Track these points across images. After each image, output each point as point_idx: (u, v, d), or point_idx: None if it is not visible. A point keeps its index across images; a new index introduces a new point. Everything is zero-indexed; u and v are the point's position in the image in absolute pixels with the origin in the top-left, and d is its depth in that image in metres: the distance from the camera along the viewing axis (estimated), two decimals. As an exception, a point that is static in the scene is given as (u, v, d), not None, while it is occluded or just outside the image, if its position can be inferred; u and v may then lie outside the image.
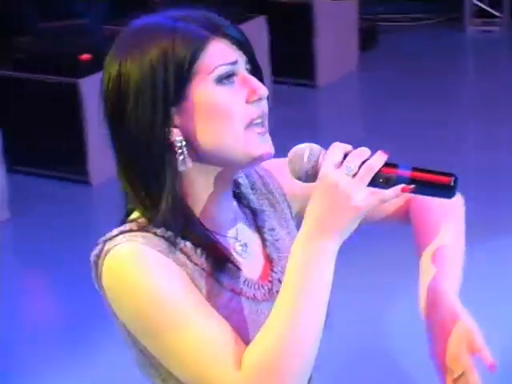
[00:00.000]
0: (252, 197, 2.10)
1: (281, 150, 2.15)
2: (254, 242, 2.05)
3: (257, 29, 7.67)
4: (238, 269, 1.95)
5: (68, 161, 6.61)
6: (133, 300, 1.87)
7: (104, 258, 1.86)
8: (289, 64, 8.15)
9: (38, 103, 6.64)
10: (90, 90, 6.28)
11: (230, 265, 1.96)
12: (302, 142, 2.34)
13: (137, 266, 1.87)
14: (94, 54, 6.54)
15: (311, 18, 8.13)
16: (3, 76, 6.67)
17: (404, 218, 2.26)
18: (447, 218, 2.20)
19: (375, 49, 9.13)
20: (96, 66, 6.19)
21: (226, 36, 1.90)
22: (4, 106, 6.67)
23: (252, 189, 2.12)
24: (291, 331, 1.81)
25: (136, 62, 1.91)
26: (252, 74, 1.94)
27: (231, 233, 2.01)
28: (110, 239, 1.88)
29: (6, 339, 5.33)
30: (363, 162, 1.76)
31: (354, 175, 1.75)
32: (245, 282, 1.96)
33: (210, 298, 1.91)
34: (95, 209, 6.91)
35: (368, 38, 8.98)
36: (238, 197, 2.08)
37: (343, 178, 1.74)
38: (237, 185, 2.07)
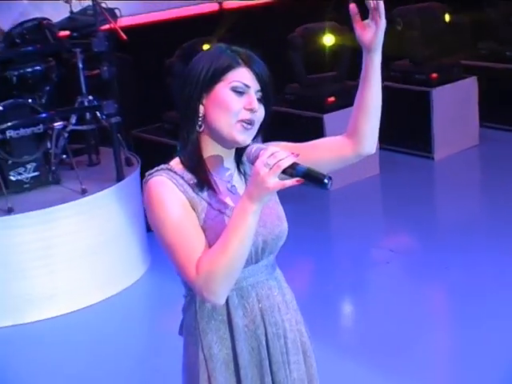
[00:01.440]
0: (247, 164, 2.75)
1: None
2: (243, 189, 2.68)
3: (469, 85, 8.55)
4: (217, 192, 2.66)
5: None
6: (153, 210, 2.63)
7: (145, 184, 2.63)
8: (498, 112, 8.81)
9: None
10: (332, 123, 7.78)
11: (220, 196, 2.66)
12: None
13: (156, 190, 2.63)
14: (337, 98, 7.95)
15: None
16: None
17: (346, 144, 2.87)
18: None
19: None
20: (338, 105, 7.83)
21: (251, 68, 2.63)
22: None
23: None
24: (226, 248, 2.54)
25: (197, 61, 2.69)
26: (263, 99, 2.65)
27: (227, 178, 2.72)
28: (151, 173, 2.65)
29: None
30: (279, 161, 2.40)
31: (271, 169, 2.40)
32: (229, 208, 2.65)
33: (203, 212, 2.63)
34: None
35: None
36: (240, 162, 2.77)
37: (262, 169, 2.38)
38: (240, 156, 2.73)
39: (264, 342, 2.84)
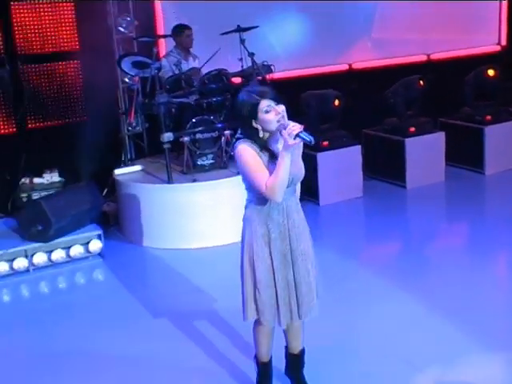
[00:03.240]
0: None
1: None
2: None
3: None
4: (269, 152, 3.88)
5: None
6: (240, 161, 3.89)
7: (235, 148, 3.90)
8: None
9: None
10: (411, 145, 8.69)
11: (273, 157, 3.88)
12: None
13: (241, 150, 3.88)
14: (416, 128, 8.80)
15: None
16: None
17: None
18: None
19: None
20: (416, 133, 8.73)
21: (267, 97, 3.82)
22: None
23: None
24: (278, 175, 3.78)
25: (241, 100, 3.90)
26: (278, 104, 3.80)
27: (273, 145, 3.91)
28: (238, 142, 3.89)
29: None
30: (293, 131, 3.68)
31: (289, 134, 3.69)
32: (273, 159, 3.84)
33: (264, 160, 3.86)
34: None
35: None
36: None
37: (286, 136, 3.69)
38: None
39: (287, 228, 4.06)
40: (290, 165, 3.83)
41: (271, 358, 4.54)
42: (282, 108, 3.83)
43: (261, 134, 3.87)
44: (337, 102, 8.49)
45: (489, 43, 11.15)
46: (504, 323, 5.44)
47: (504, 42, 11.20)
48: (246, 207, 4.13)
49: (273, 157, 3.94)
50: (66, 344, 5.64)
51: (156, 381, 5.02)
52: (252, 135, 3.91)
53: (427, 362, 4.94)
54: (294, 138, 3.75)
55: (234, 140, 4.01)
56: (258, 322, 4.29)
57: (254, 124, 3.86)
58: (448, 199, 8.73)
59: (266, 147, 3.94)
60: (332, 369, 4.87)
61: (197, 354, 5.27)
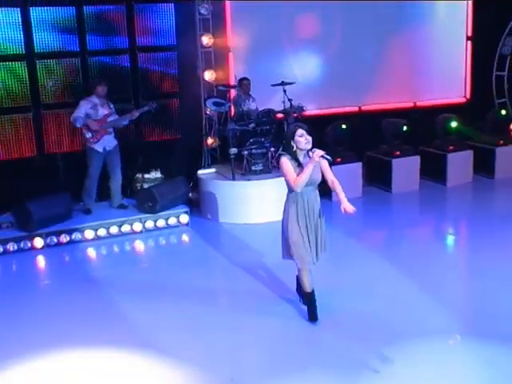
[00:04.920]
0: (309, 155, 4.95)
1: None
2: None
3: (468, 153, 10.20)
4: (299, 164, 5.03)
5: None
6: (282, 168, 5.16)
7: (279, 159, 5.27)
8: (479, 167, 10.27)
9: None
10: (396, 164, 9.81)
11: (300, 165, 5.08)
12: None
13: (283, 161, 5.15)
14: (400, 152, 10.04)
15: None
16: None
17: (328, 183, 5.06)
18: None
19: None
20: (401, 156, 9.85)
21: (304, 129, 5.06)
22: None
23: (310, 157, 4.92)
24: (301, 176, 4.98)
25: (288, 130, 5.29)
26: (309, 134, 5.00)
27: (304, 160, 5.06)
28: (281, 155, 5.25)
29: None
30: (319, 153, 4.94)
31: (316, 154, 4.91)
32: (302, 168, 4.95)
33: (295, 169, 5.07)
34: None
35: None
36: (308, 154, 4.97)
37: (315, 155, 4.93)
38: (307, 152, 4.97)
39: (307, 209, 5.14)
40: (312, 172, 5.12)
41: (313, 289, 5.62)
42: (309, 137, 5.15)
43: (294, 149, 5.13)
44: (344, 126, 9.79)
45: (457, 96, 11.89)
46: (454, 274, 6.55)
47: (468, 96, 11.96)
48: (287, 195, 5.33)
49: (299, 164, 5.21)
50: (166, 278, 6.78)
51: (221, 302, 6.17)
52: (289, 150, 5.21)
53: (401, 300, 5.91)
54: (321, 157, 5.08)
55: (277, 155, 5.25)
56: (299, 270, 5.49)
57: (292, 143, 5.14)
58: (420, 201, 9.66)
59: (296, 158, 5.23)
60: (329, 294, 5.96)
61: (250, 284, 6.44)
